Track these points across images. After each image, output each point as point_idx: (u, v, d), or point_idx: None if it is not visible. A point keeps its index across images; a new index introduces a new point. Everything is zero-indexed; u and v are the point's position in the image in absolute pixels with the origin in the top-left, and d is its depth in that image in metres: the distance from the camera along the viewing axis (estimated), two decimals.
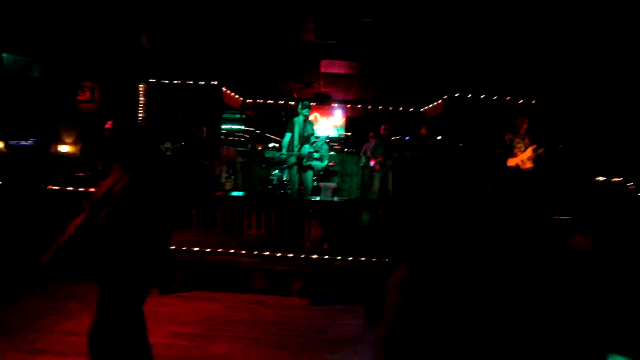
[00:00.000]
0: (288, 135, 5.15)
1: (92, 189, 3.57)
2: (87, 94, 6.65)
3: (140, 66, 6.87)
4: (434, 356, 0.60)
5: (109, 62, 6.51)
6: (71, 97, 6.56)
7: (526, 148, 5.08)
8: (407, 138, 8.66)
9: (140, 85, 7.18)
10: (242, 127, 9.80)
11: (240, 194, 4.70)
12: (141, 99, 7.19)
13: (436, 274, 0.63)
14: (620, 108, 5.23)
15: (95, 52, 6.28)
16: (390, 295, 0.67)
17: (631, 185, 4.24)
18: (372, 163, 6.47)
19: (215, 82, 7.20)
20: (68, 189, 4.00)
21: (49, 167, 6.03)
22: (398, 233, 0.83)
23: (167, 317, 2.99)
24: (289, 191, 5.24)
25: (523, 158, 5.06)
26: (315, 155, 4.99)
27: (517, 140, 5.15)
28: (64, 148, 6.48)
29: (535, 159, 5.02)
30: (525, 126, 5.16)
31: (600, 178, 4.78)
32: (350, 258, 3.65)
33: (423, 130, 6.18)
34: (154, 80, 7.19)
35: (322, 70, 6.77)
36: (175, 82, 7.22)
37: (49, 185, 4.08)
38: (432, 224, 0.72)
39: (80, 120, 6.52)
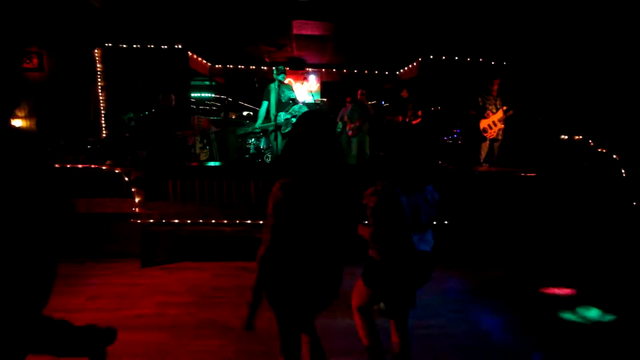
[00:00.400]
0: (265, 104, 4.98)
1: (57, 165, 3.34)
2: (35, 61, 5.98)
3: (93, 29, 6.22)
4: (293, 224, 1.38)
5: (56, 25, 5.83)
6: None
7: (497, 109, 5.24)
8: (382, 103, 8.64)
9: (96, 51, 6.56)
10: (213, 95, 9.32)
11: (216, 164, 4.57)
12: (98, 65, 6.60)
13: (295, 186, 1.35)
14: (585, 71, 5.45)
15: (41, 13, 5.59)
16: (274, 192, 1.35)
17: (591, 143, 4.54)
18: (347, 129, 6.45)
19: (180, 46, 6.70)
20: None
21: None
22: (281, 163, 1.49)
23: (154, 288, 2.98)
24: (267, 159, 5.16)
25: (494, 119, 5.23)
26: (294, 120, 4.87)
27: (490, 102, 5.29)
28: (16, 122, 5.92)
29: (505, 120, 5.21)
30: (496, 87, 5.28)
31: (564, 136, 5.07)
32: None
33: (404, 94, 6.17)
34: (110, 44, 6.57)
35: (295, 31, 6.45)
36: (134, 46, 6.64)
37: None
38: (298, 161, 1.38)
39: (30, 91, 5.92)
